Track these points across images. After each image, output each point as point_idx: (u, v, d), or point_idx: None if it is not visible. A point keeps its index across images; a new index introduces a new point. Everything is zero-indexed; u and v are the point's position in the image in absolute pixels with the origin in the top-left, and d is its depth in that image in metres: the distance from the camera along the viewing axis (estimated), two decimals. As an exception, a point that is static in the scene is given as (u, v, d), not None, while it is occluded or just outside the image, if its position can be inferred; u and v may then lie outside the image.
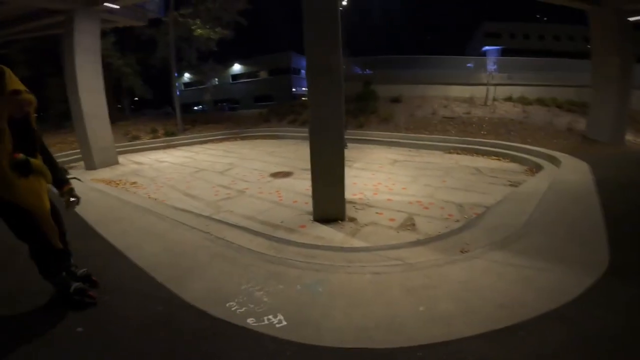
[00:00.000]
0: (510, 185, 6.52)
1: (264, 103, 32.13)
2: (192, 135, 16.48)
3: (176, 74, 19.03)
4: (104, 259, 3.13)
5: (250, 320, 2.19)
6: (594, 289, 2.47)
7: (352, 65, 22.01)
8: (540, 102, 14.97)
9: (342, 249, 3.88)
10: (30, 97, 2.00)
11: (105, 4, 10.12)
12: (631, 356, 1.83)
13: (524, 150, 9.41)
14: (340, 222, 4.80)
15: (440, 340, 1.98)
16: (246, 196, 6.42)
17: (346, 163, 8.59)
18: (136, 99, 30.14)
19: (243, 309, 2.33)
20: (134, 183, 8.03)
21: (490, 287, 2.57)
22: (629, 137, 11.01)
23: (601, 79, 10.93)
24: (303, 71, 38.37)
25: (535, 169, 7.88)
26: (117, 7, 10.70)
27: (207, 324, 2.16)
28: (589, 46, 11.69)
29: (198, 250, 3.36)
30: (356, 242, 4.19)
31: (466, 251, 3.40)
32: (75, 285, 2.37)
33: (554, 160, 7.88)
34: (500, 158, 9.52)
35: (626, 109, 10.70)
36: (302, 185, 6.84)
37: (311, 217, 5.00)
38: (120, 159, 11.46)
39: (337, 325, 2.16)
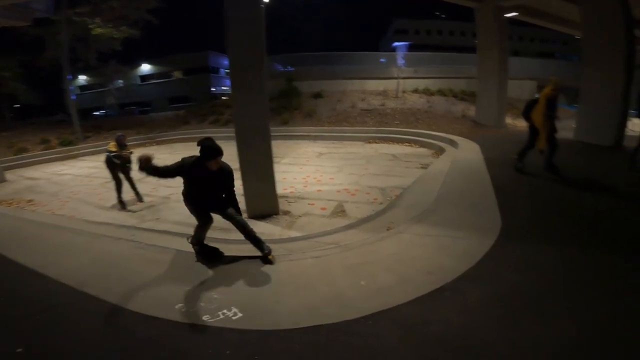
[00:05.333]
0: (422, 167, 7.42)
1: (180, 105, 30.24)
2: (96, 144, 14.66)
3: (70, 77, 16.66)
4: (17, 282, 2.88)
5: (206, 318, 2.23)
6: (494, 249, 3.04)
7: (272, 63, 21.99)
8: (441, 92, 17.19)
9: (281, 241, 4.03)
10: None
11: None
12: (530, 305, 2.24)
13: (429, 136, 10.68)
14: (275, 216, 4.93)
15: (383, 308, 2.26)
16: (172, 202, 6.10)
17: (274, 159, 8.76)
18: (17, 106, 25.48)
19: (194, 308, 2.34)
20: (31, 201, 6.97)
21: (417, 256, 2.99)
22: (508, 120, 13.30)
23: (484, 71, 12.87)
24: (223, 70, 36.73)
25: (440, 151, 9.05)
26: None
27: (163, 328, 2.15)
28: (476, 41, 13.56)
29: (130, 259, 3.22)
30: (293, 233, 4.37)
31: (391, 228, 3.84)
32: None
33: (453, 143, 9.17)
34: (412, 144, 10.65)
35: (505, 97, 12.82)
36: (232, 185, 6.73)
37: (245, 215, 5.02)
38: (8, 175, 9.85)
39: (291, 308, 2.33)
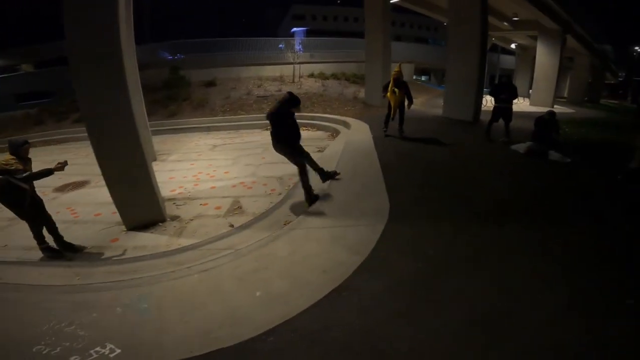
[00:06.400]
0: (319, 151, 7.53)
1: (34, 102, 24.57)
2: None
3: None
4: None
5: (74, 359, 1.83)
6: (384, 235, 3.15)
7: (157, 50, 19.58)
8: (334, 76, 17.90)
9: (165, 254, 3.55)
10: None
11: None
12: (423, 293, 2.34)
13: (325, 119, 10.96)
14: (161, 224, 4.35)
15: (283, 320, 2.10)
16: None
17: (160, 157, 7.84)
18: None
19: (57, 349, 1.92)
20: None
21: (312, 254, 2.91)
22: (393, 100, 14.61)
23: (371, 54, 13.46)
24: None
25: (335, 133, 9.38)
26: None
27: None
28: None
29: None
30: (183, 242, 3.90)
31: (288, 222, 3.73)
32: None
33: (346, 125, 9.59)
34: (309, 128, 10.76)
35: (389, 78, 13.84)
36: (104, 193, 5.67)
37: (124, 228, 4.33)
38: None
39: (179, 336, 2.03)
